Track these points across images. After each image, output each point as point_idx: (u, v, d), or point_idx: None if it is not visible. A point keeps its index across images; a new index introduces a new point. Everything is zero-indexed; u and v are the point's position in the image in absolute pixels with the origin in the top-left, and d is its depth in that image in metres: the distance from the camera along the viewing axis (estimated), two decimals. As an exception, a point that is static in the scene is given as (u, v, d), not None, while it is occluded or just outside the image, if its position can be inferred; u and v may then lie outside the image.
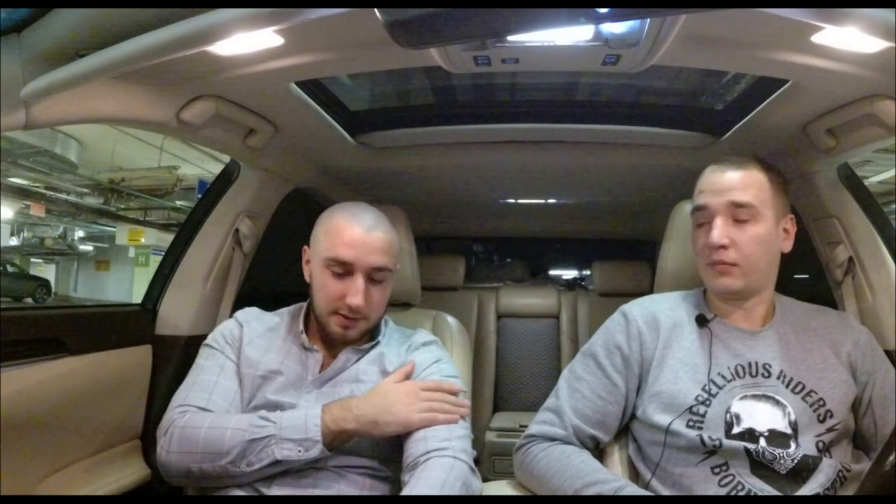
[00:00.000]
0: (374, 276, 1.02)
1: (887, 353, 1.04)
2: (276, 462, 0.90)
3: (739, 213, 0.96)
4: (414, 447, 0.92)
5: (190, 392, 0.98)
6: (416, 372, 1.03)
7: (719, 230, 0.96)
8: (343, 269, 1.00)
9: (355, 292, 0.98)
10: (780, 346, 0.98)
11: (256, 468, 0.89)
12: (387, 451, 0.99)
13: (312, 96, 1.20)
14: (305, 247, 1.08)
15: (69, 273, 17.15)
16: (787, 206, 1.02)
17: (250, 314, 1.11)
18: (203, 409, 0.95)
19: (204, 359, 1.04)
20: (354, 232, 1.01)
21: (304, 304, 1.11)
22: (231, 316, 1.12)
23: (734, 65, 1.02)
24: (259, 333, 1.07)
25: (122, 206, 11.60)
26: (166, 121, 1.05)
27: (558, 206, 2.31)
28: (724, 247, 0.96)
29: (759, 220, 0.96)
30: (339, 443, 0.93)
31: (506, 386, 2.51)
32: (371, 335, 1.10)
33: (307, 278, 1.08)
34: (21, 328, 1.05)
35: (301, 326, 1.07)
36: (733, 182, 0.98)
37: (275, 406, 0.98)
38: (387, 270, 1.03)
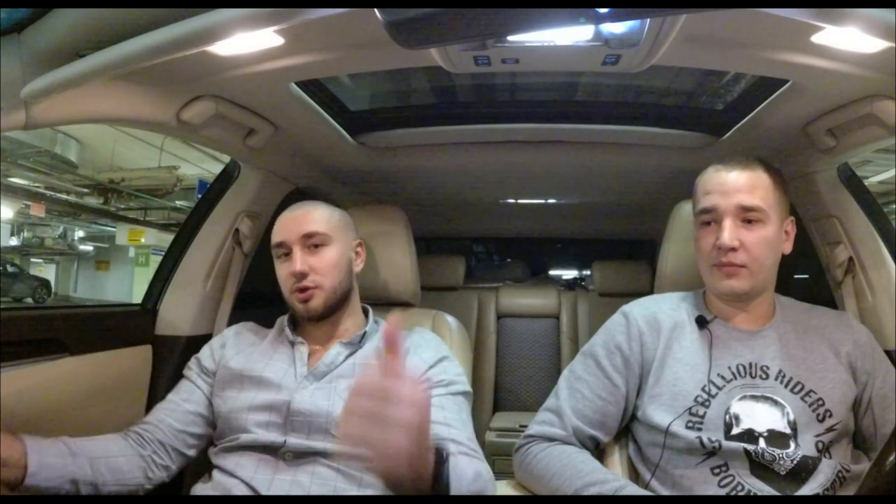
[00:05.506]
0: (309, 243, 1.07)
1: (887, 353, 1.03)
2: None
3: (748, 216, 0.96)
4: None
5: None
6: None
7: (730, 232, 0.95)
8: (285, 250, 1.08)
9: (294, 262, 1.06)
10: (779, 346, 0.98)
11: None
12: None
13: (312, 96, 1.20)
14: None
15: (69, 273, 17.16)
16: (788, 207, 1.02)
17: (244, 326, 1.16)
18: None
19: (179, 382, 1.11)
20: (285, 216, 1.11)
21: None
22: (230, 317, 1.12)
23: (734, 65, 1.02)
24: (250, 342, 1.11)
25: (122, 206, 11.60)
26: (166, 121, 1.05)
27: (558, 206, 2.31)
28: (733, 249, 0.95)
29: (767, 222, 0.96)
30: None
31: (506, 386, 2.51)
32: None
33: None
34: (21, 328, 1.05)
35: (286, 323, 1.12)
36: (741, 184, 0.97)
37: (268, 406, 0.99)
38: (320, 234, 1.08)
